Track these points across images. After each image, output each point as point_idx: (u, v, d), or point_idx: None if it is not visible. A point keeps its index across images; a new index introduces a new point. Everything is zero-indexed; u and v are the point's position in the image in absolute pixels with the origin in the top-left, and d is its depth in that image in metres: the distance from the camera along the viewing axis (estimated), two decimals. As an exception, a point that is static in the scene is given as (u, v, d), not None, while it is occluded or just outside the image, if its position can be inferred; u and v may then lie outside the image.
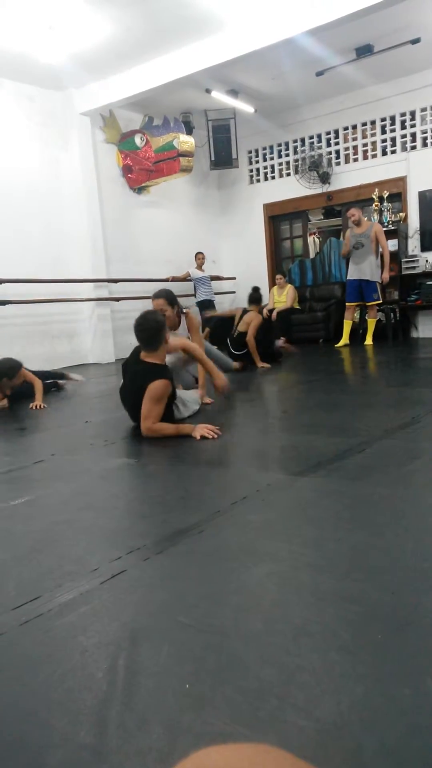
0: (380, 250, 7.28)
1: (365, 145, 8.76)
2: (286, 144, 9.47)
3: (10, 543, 1.78)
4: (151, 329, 3.20)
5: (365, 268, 7.27)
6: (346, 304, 7.53)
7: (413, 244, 8.24)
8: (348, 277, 7.49)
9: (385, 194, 8.28)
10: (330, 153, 9.04)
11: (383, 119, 8.50)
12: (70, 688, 1.04)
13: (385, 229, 8.22)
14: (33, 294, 7.05)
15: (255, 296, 6.43)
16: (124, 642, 1.17)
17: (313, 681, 1.00)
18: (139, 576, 1.47)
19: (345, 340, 7.55)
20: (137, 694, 1.00)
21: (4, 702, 1.02)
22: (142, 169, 8.26)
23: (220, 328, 6.75)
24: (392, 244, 8.16)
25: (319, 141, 9.13)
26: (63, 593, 1.39)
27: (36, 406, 4.49)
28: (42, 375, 5.17)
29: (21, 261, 6.97)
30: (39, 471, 2.65)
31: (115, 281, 8.01)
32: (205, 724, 0.92)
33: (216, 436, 2.92)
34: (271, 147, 9.63)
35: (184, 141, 7.91)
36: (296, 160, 9.35)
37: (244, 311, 6.36)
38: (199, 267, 8.83)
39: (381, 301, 7.41)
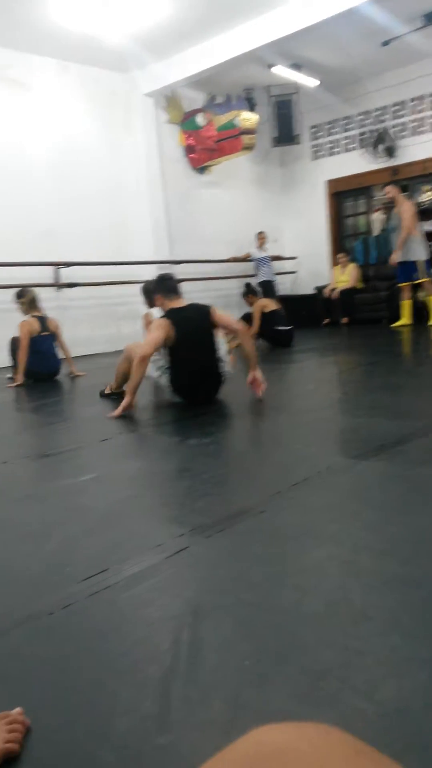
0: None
1: (434, 116, 8.39)
2: (351, 118, 9.19)
3: (80, 517, 1.85)
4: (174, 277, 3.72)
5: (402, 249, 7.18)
6: (399, 285, 7.39)
7: None
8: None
9: (455, 167, 7.94)
10: (396, 126, 8.72)
11: (454, 88, 8.11)
12: (136, 660, 1.08)
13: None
14: (98, 276, 7.19)
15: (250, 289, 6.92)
16: (188, 617, 1.20)
17: (375, 664, 1.00)
18: (201, 553, 1.50)
19: (404, 320, 7.41)
20: (200, 668, 1.03)
21: (74, 670, 1.07)
22: (204, 148, 8.23)
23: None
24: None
25: (385, 113, 8.81)
26: (129, 567, 1.44)
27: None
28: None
29: (87, 244, 7.11)
30: (106, 449, 2.73)
31: (177, 262, 8.06)
32: (265, 701, 0.94)
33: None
34: (335, 121, 9.37)
35: (247, 118, 7.81)
36: (361, 134, 9.07)
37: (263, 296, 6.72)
38: (261, 247, 8.75)
39: (423, 280, 7.14)
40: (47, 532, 1.74)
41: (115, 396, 3.81)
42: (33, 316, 5.20)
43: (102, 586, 1.36)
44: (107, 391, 4.00)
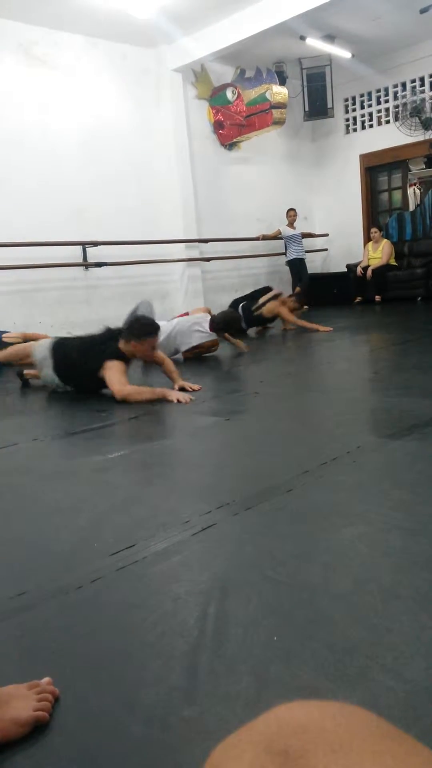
0: None
1: (473, 86, 8.10)
2: (386, 89, 8.93)
3: (108, 493, 1.87)
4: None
5: None
6: None
7: None
8: None
9: None
10: (433, 97, 8.45)
11: None
12: (163, 633, 1.08)
13: None
14: (127, 255, 7.19)
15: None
16: (215, 592, 1.20)
17: (403, 643, 0.99)
18: (228, 530, 1.50)
19: None
20: (226, 642, 1.04)
21: (102, 642, 1.08)
22: (233, 124, 8.10)
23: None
24: None
25: (422, 85, 8.53)
26: (156, 542, 1.45)
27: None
28: None
29: (115, 223, 7.10)
30: (134, 427, 2.75)
31: (206, 241, 8.01)
32: (292, 677, 0.94)
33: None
34: (370, 93, 9.12)
35: (278, 92, 7.65)
36: (396, 107, 8.81)
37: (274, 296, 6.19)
38: (291, 224, 8.62)
39: None
40: (76, 508, 1.76)
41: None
42: None
43: (130, 560, 1.37)
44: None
